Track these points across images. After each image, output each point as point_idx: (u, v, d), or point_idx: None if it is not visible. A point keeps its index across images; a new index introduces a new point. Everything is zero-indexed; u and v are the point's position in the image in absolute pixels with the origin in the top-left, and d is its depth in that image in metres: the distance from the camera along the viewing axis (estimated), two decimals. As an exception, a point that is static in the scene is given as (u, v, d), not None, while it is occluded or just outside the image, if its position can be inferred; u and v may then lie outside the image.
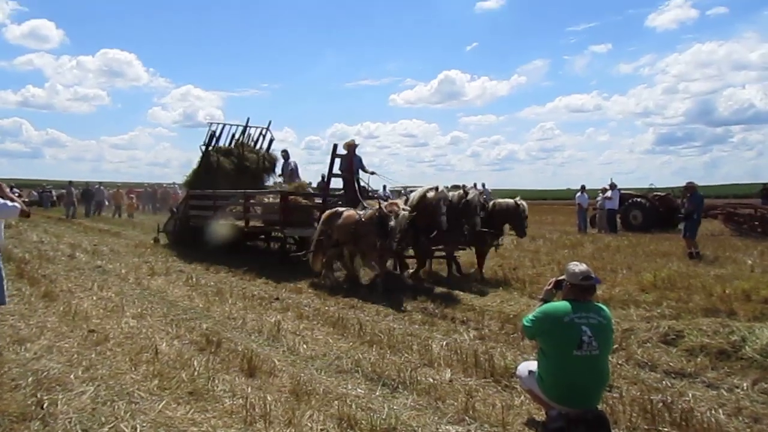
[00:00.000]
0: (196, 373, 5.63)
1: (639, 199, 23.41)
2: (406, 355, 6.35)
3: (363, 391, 5.31)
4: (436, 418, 4.74)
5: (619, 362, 6.12)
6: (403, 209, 9.83)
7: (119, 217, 29.94)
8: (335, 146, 12.81)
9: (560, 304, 4.18)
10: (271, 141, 17.84)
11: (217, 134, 16.79)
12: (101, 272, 11.94)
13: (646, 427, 4.53)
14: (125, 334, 7.04)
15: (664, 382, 5.57)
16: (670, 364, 6.09)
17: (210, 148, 16.57)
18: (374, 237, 9.71)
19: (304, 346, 6.70)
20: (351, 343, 6.82)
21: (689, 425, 4.43)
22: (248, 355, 6.06)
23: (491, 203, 11.67)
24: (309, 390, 5.24)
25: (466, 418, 4.71)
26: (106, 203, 32.87)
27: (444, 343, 6.78)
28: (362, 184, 13.15)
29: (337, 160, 13.04)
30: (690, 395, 5.18)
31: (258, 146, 17.67)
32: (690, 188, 15.25)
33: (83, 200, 31.66)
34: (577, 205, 23.62)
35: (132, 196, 34.80)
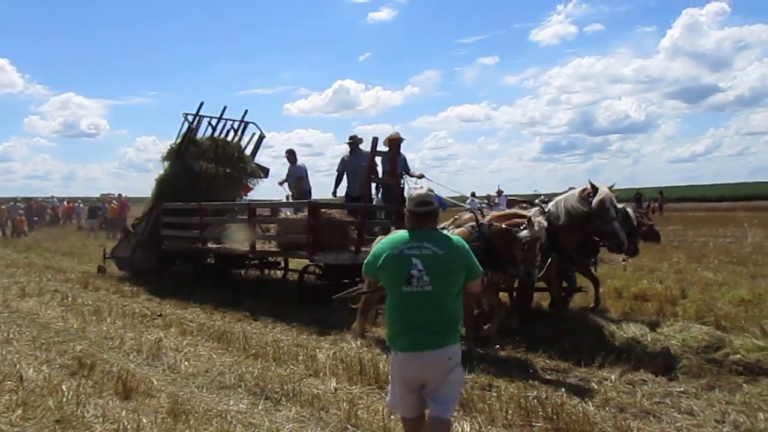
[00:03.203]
0: (64, 399, 5.28)
1: (524, 205, 24.39)
2: (291, 366, 6.26)
3: (245, 407, 5.16)
4: (319, 428, 4.69)
5: (501, 360, 6.34)
6: (533, 216, 6.53)
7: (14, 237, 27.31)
8: (375, 140, 9.63)
9: (398, 234, 3.72)
10: (261, 138, 14.12)
11: (194, 129, 13.06)
12: (-36, 295, 10.99)
13: (520, 422, 4.70)
14: (-14, 362, 6.50)
15: (541, 379, 5.80)
16: (547, 361, 6.35)
17: (187, 146, 12.88)
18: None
19: (186, 363, 6.45)
20: (235, 358, 6.64)
21: (560, 418, 4.63)
22: (124, 376, 5.75)
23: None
24: (188, 409, 5.03)
25: (349, 426, 4.69)
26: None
27: (331, 352, 6.74)
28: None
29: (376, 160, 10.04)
30: (563, 390, 5.41)
31: (242, 144, 13.97)
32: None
33: None
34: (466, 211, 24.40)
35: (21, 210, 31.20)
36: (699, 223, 31.29)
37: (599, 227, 7.31)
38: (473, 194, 24.29)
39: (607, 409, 4.99)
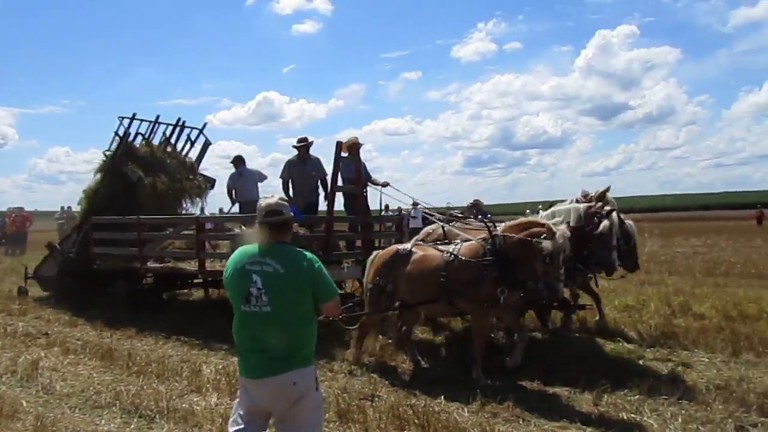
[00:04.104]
0: None
1: (438, 216, 24.87)
2: (174, 382, 6.11)
3: (116, 426, 5.01)
4: (189, 445, 4.59)
5: (388, 370, 6.41)
6: (553, 225, 5.90)
7: None
8: (339, 145, 8.71)
9: (248, 247, 3.39)
10: (205, 146, 13.01)
11: (132, 136, 11.70)
12: None
13: (394, 431, 4.75)
14: None
15: (424, 388, 5.88)
16: (433, 370, 6.45)
17: (122, 153, 11.38)
18: (492, 285, 5.96)
19: (62, 383, 6.19)
20: (116, 376, 6.43)
21: (430, 425, 4.71)
22: (-12, 399, 5.45)
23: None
24: (53, 431, 4.82)
25: (221, 441, 4.62)
26: None
27: (220, 366, 6.61)
28: None
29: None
30: (442, 398, 5.52)
31: (186, 153, 12.76)
32: (476, 205, 16.46)
33: None
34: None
35: None
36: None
37: (596, 251, 6.85)
38: (387, 207, 24.45)
39: (480, 414, 5.12)
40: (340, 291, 8.88)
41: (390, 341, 7.18)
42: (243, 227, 9.15)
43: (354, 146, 9.20)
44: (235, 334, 3.32)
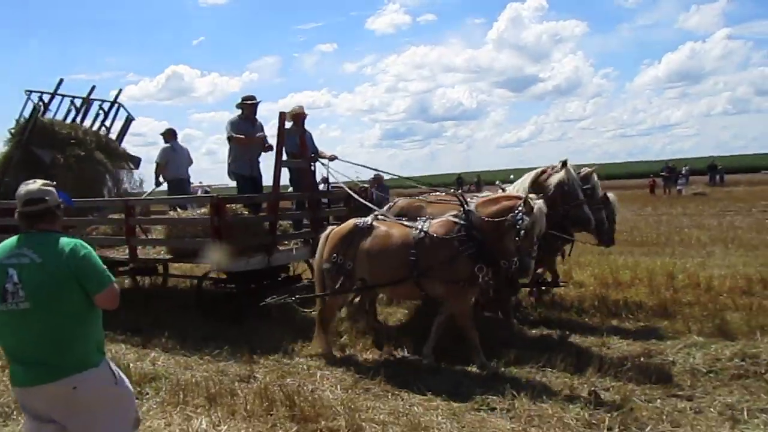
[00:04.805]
0: None
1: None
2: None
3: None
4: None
5: (263, 353, 6.42)
6: (530, 198, 5.55)
7: None
8: (282, 115, 7.85)
9: (8, 241, 3.03)
10: (128, 122, 12.13)
11: (41, 111, 10.77)
12: None
13: (262, 412, 4.75)
14: None
15: (300, 367, 5.95)
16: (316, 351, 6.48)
17: (32, 131, 10.37)
18: (470, 263, 5.61)
19: None
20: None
21: (296, 405, 4.73)
22: None
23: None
24: None
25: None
26: None
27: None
28: None
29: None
30: (318, 376, 5.58)
31: (105, 128, 11.89)
32: (378, 179, 16.55)
33: None
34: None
35: None
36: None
37: (569, 213, 6.68)
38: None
39: (351, 391, 5.20)
40: (284, 274, 8.68)
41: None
42: (178, 209, 8.53)
43: (298, 116, 8.66)
44: None
